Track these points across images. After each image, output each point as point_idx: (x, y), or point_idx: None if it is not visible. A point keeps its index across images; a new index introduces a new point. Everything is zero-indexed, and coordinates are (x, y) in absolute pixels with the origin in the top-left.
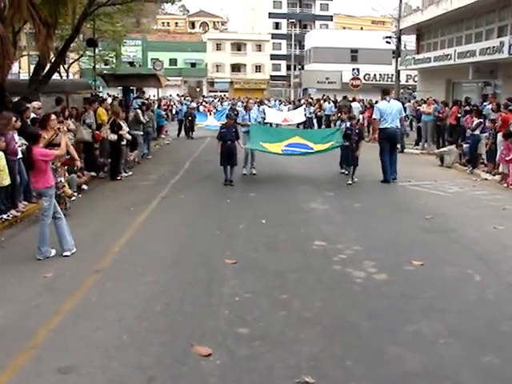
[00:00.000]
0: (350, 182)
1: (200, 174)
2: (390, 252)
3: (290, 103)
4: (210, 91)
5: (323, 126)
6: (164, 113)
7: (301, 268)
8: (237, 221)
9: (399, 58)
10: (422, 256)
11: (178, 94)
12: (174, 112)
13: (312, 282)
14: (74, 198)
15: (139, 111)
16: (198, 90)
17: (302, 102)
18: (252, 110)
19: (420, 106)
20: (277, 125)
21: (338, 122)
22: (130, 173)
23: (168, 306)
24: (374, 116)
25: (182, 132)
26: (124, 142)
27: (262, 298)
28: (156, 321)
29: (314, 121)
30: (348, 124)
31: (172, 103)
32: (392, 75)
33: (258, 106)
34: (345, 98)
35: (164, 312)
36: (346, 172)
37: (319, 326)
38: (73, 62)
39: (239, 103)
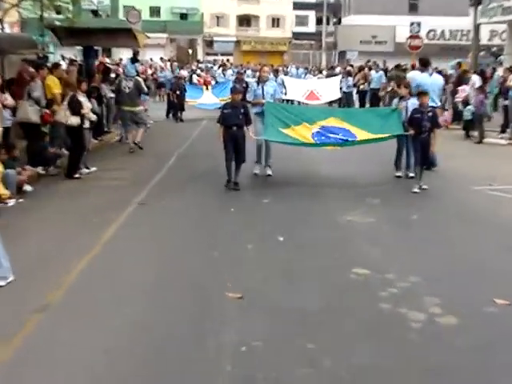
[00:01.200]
0: (416, 189)
1: (192, 171)
2: (461, 285)
3: (320, 72)
4: (208, 54)
5: (367, 106)
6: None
7: (333, 307)
8: (243, 238)
9: (479, 7)
10: (510, 293)
11: (161, 58)
12: (156, 83)
13: (349, 327)
14: (11, 203)
15: (140, 79)
16: (190, 52)
17: (338, 70)
18: (268, 82)
19: (508, 76)
20: (299, 103)
21: (395, 101)
22: (94, 168)
23: (143, 363)
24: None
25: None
26: (87, 125)
27: (278, 348)
28: None
29: (355, 97)
30: (414, 103)
31: (154, 71)
32: (468, 31)
33: (276, 76)
34: (398, 66)
35: (136, 373)
36: (411, 175)
37: None
38: (9, 9)
39: (249, 72)
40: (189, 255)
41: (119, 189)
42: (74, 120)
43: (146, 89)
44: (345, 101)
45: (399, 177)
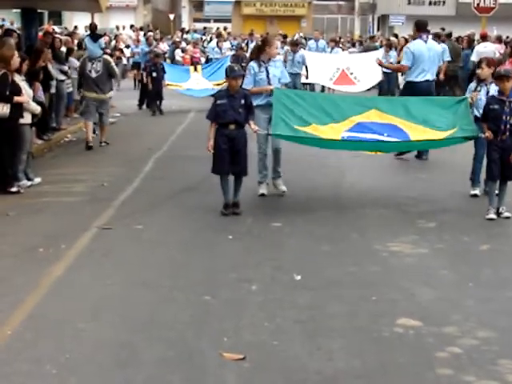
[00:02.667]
0: (492, 215)
1: (174, 182)
2: None
3: (352, 45)
4: (197, 20)
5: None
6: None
7: (368, 372)
8: (245, 277)
9: None
10: None
11: (132, 27)
12: (125, 61)
13: None
14: None
15: (110, 59)
16: (171, 17)
17: (378, 43)
18: (272, 62)
19: None
20: (323, 89)
21: (472, 85)
22: (38, 179)
23: None
24: (403, 62)
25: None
26: (27, 120)
27: None
28: None
29: (400, 80)
30: (494, 89)
31: (122, 44)
32: None
33: (293, 51)
34: (372, 38)
35: None
36: (487, 190)
37: None
38: None
39: (253, 45)
40: (170, 302)
41: (74, 208)
42: (2, 109)
43: (117, 71)
44: (387, 85)
45: (475, 195)
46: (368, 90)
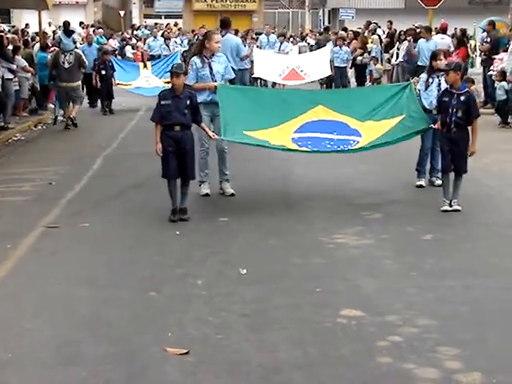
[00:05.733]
0: (446, 207)
1: (123, 179)
2: (490, 328)
3: (302, 40)
4: (147, 16)
5: (368, 83)
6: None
7: (311, 362)
8: (191, 271)
9: None
10: None
11: (81, 24)
12: None
13: None
14: None
15: (81, 52)
16: (122, 14)
17: (329, 37)
18: (216, 58)
19: None
20: (275, 85)
21: (423, 76)
22: None
23: None
24: None
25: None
26: None
27: None
28: None
29: (350, 73)
30: (442, 82)
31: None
32: None
33: (245, 44)
34: (327, 29)
35: None
36: (438, 183)
37: None
38: None
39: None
40: (115, 299)
41: (20, 207)
42: None
43: (87, 62)
44: (337, 80)
45: (421, 186)
46: (321, 85)
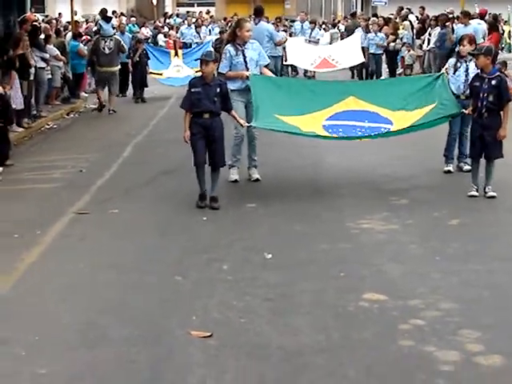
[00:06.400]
0: (473, 192)
1: (153, 166)
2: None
3: (334, 26)
4: (180, 5)
5: (400, 70)
6: (85, 48)
7: (333, 345)
8: (217, 256)
9: None
10: None
11: (114, 12)
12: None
13: (354, 373)
14: None
15: (120, 38)
16: (154, 2)
17: (357, 23)
18: (249, 45)
19: None
20: (306, 73)
21: (451, 61)
22: (10, 162)
23: None
24: None
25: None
26: None
27: None
28: None
29: (383, 60)
30: (470, 67)
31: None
32: None
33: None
34: (353, 15)
35: None
36: (466, 168)
37: None
38: None
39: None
40: (141, 284)
41: (51, 194)
42: None
43: (127, 48)
44: (374, 66)
45: (449, 172)
46: (353, 73)
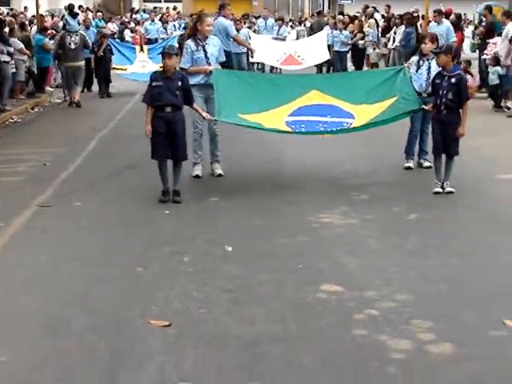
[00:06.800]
0: (438, 189)
1: (116, 160)
2: (465, 304)
3: (300, 24)
4: (146, 0)
5: (365, 68)
6: (51, 43)
7: (289, 335)
8: (179, 249)
9: None
10: None
11: (80, 7)
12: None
13: (308, 361)
14: None
15: (85, 34)
16: None
17: (326, 21)
18: (210, 40)
19: None
20: (272, 70)
21: (414, 58)
22: None
23: None
24: None
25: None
26: None
27: None
28: None
29: (348, 57)
30: (432, 65)
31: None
32: None
33: (236, 30)
34: (319, 13)
35: None
36: (426, 165)
37: None
38: None
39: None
40: (102, 275)
41: (14, 187)
42: None
43: (90, 44)
44: (339, 64)
45: (409, 168)
46: (320, 70)
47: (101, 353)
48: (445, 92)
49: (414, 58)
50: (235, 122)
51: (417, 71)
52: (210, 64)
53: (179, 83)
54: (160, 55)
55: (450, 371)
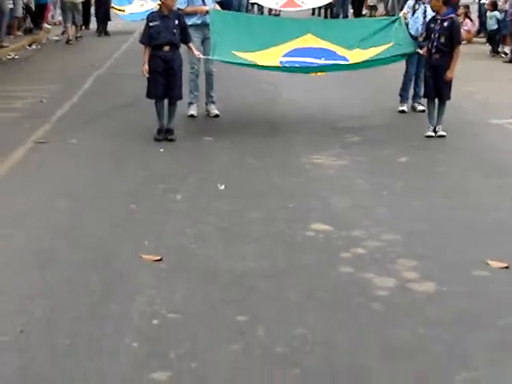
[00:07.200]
0: (430, 133)
1: (112, 99)
2: (449, 245)
3: None
4: None
5: (364, 12)
6: None
7: (277, 270)
8: (172, 187)
9: None
10: (509, 252)
11: None
12: None
13: (294, 295)
14: None
15: None
16: None
17: None
18: None
19: None
20: (271, 12)
21: (409, 3)
22: None
23: (27, 335)
24: None
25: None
26: None
27: (198, 320)
28: None
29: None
30: (428, 9)
31: None
32: None
33: None
34: None
35: (16, 348)
36: (420, 108)
37: (296, 370)
38: None
39: None
40: (94, 210)
41: (11, 123)
42: None
43: None
44: (340, 8)
45: (403, 111)
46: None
47: (90, 286)
48: (437, 36)
49: (410, 3)
50: (229, 59)
51: (412, 15)
52: (205, 4)
53: (176, 22)
54: None
55: (432, 308)
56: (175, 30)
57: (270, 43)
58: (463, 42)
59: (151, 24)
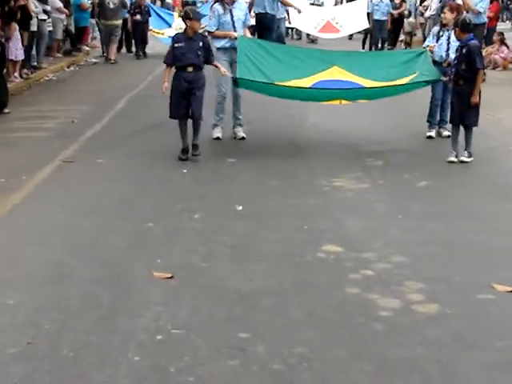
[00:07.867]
0: (452, 158)
1: (142, 120)
2: (458, 268)
3: None
4: None
5: (401, 38)
6: (88, 3)
7: (283, 289)
8: (190, 206)
9: None
10: None
11: None
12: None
13: (298, 314)
14: None
15: None
16: None
17: None
18: (237, 4)
19: None
20: (309, 37)
21: (434, 30)
22: (7, 110)
23: (34, 347)
24: None
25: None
26: None
27: (201, 336)
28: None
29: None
30: (452, 35)
31: None
32: None
33: None
34: None
35: (21, 359)
36: (445, 134)
37: None
38: None
39: None
40: (113, 228)
41: (41, 143)
42: None
43: (128, 3)
44: (378, 33)
45: (430, 137)
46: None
47: (100, 300)
48: (457, 63)
49: (435, 29)
50: (254, 86)
51: (437, 42)
52: (235, 28)
53: (200, 43)
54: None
55: (432, 329)
56: (199, 52)
57: (297, 75)
58: (498, 69)
59: (176, 45)
